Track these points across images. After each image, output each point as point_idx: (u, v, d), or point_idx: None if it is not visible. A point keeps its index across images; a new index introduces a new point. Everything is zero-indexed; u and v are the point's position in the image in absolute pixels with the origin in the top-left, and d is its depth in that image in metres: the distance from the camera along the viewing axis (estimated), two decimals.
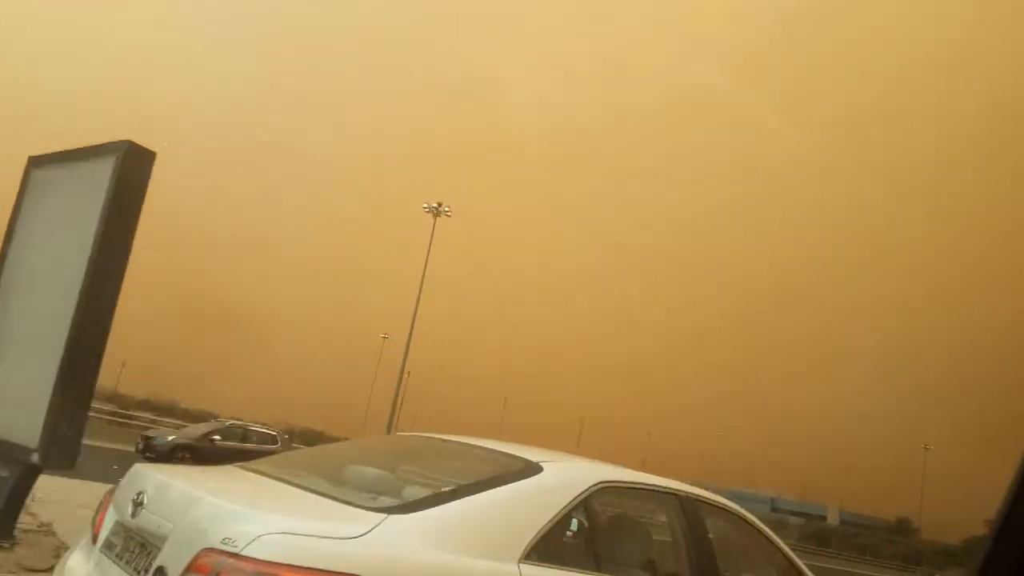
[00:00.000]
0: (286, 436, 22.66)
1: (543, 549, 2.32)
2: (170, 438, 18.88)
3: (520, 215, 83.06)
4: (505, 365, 74.59)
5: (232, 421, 21.47)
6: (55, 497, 7.82)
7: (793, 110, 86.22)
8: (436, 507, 2.26)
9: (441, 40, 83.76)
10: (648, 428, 71.48)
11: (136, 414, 35.28)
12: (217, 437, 18.94)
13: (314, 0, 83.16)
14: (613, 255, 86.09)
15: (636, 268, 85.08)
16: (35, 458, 4.27)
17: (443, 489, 2.43)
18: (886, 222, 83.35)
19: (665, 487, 2.87)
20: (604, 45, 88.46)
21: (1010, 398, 62.23)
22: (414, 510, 2.22)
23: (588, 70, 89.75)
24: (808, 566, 3.33)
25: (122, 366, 55.49)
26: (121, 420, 29.48)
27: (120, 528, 2.46)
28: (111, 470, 13.41)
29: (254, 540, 1.95)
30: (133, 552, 2.31)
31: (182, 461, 17.11)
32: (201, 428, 20.67)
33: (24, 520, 5.37)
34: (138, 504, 2.35)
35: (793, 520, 52.58)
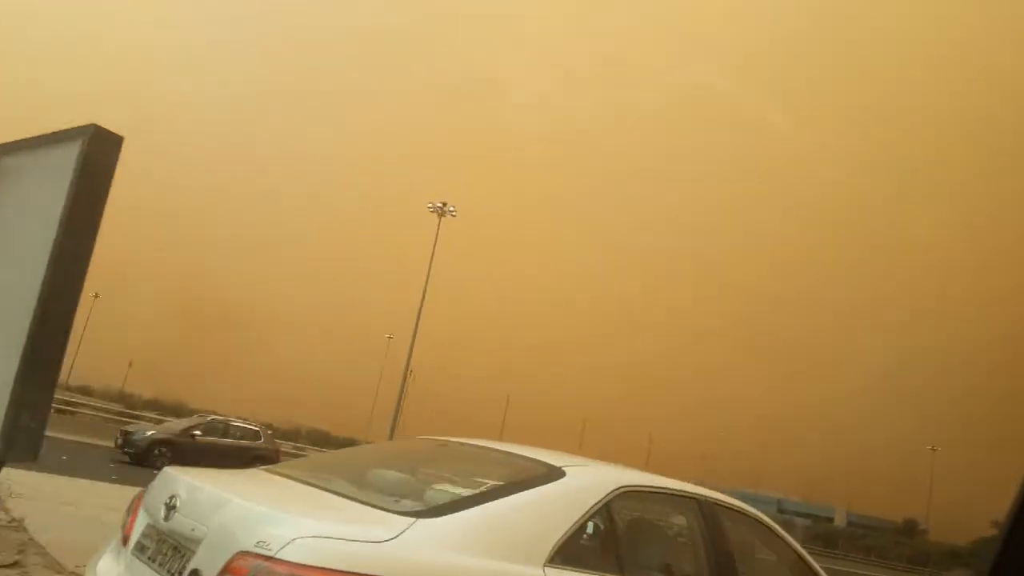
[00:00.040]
0: (269, 432, 21.91)
1: (567, 553, 2.37)
2: (149, 433, 18.19)
3: (520, 215, 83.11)
4: (505, 365, 74.61)
5: (213, 416, 20.64)
6: (37, 493, 7.87)
7: (793, 110, 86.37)
8: (463, 511, 2.31)
9: (441, 40, 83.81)
10: (650, 428, 71.47)
11: (143, 414, 35.27)
12: (198, 432, 18.40)
13: (314, 0, 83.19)
14: (613, 255, 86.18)
15: (636, 268, 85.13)
16: None
17: (469, 493, 2.48)
18: (890, 222, 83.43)
19: (684, 491, 2.92)
20: (604, 45, 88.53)
21: (1017, 398, 62.22)
22: (442, 514, 2.27)
23: (588, 70, 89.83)
24: None
25: (129, 366, 55.63)
26: (127, 420, 29.43)
27: (152, 531, 2.51)
28: (98, 468, 13.43)
29: (288, 543, 1.99)
30: (166, 555, 2.35)
31: (161, 457, 16.80)
32: (182, 423, 20.08)
33: None
34: (171, 507, 2.40)
35: (799, 521, 52.53)
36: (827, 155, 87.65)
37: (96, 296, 55.72)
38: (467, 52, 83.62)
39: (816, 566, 3.25)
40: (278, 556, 1.98)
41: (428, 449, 3.35)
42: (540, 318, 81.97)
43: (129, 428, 19.22)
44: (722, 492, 3.15)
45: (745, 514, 3.07)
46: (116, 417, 32.46)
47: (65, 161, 2.54)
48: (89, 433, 22.56)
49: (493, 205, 72.63)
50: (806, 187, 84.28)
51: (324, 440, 54.34)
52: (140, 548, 2.51)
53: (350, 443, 52.60)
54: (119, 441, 18.09)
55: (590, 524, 2.55)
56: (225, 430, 19.09)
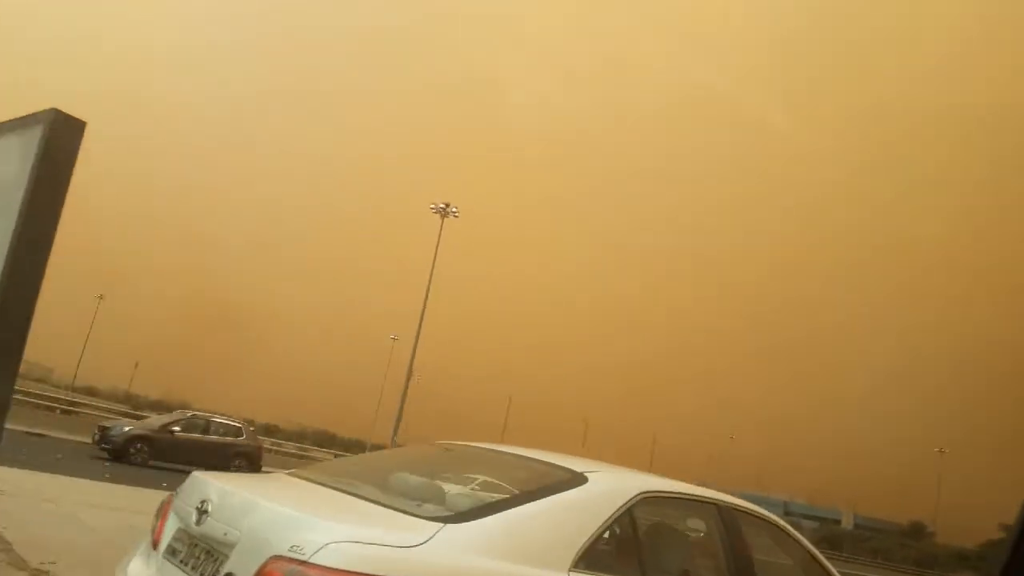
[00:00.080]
0: (251, 428, 21.30)
1: (591, 558, 2.41)
2: (126, 428, 17.74)
3: (520, 215, 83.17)
4: (506, 365, 74.63)
5: (194, 412, 20.13)
6: (18, 490, 7.90)
7: (793, 110, 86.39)
8: (490, 516, 2.35)
9: (441, 40, 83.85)
10: (652, 429, 71.40)
11: (147, 415, 35.33)
12: (176, 428, 17.93)
13: (314, 0, 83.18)
14: (613, 255, 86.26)
15: (636, 268, 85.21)
16: None
17: (495, 499, 2.52)
18: (891, 222, 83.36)
19: (704, 496, 2.97)
20: (604, 45, 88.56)
21: None
22: (469, 519, 2.32)
23: (588, 70, 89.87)
24: None
25: (135, 367, 55.67)
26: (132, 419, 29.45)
27: (183, 535, 2.55)
28: (85, 466, 13.42)
29: (321, 548, 2.04)
30: (199, 559, 2.40)
31: (139, 453, 16.70)
32: (162, 419, 19.51)
33: None
34: (202, 512, 2.44)
35: (806, 523, 52.41)
36: (827, 155, 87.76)
37: (101, 297, 55.79)
38: (467, 52, 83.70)
39: (833, 571, 3.30)
40: (312, 560, 2.03)
41: (448, 454, 3.39)
42: (541, 318, 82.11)
43: (106, 424, 18.84)
44: (728, 494, 3.19)
45: (763, 518, 3.12)
46: (119, 418, 32.47)
47: (26, 148, 2.54)
48: (89, 433, 22.56)
49: (493, 205, 72.67)
50: (806, 187, 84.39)
51: (330, 441, 54.33)
52: (171, 552, 2.56)
53: (356, 444, 52.66)
54: (96, 437, 17.78)
55: (612, 529, 2.59)
56: (206, 426, 18.65)
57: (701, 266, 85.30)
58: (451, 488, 2.73)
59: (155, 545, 2.67)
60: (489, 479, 2.85)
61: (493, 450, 3.25)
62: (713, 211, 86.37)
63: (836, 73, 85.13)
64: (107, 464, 15.29)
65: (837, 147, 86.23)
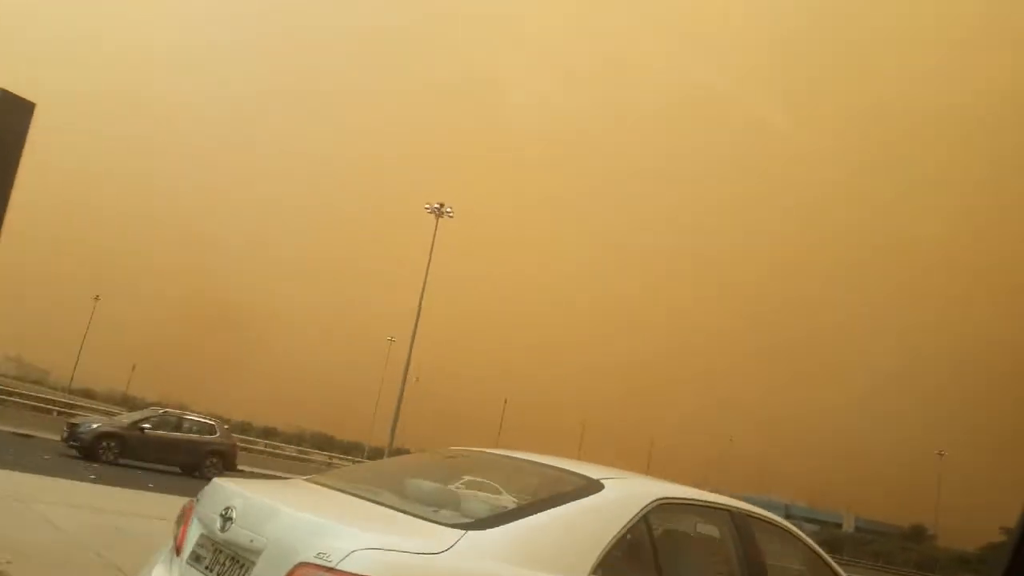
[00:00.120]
0: (225, 426, 20.94)
1: (608, 565, 2.44)
2: (95, 426, 17.24)
3: (520, 215, 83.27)
4: (505, 365, 74.75)
5: (166, 410, 19.71)
6: None
7: (793, 110, 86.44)
8: (511, 523, 2.39)
9: (441, 40, 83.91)
10: (651, 430, 71.62)
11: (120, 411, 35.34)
12: (147, 426, 17.48)
13: (314, 0, 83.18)
14: (613, 255, 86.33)
15: (636, 268, 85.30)
16: None
17: (514, 506, 2.56)
18: (891, 222, 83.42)
19: (718, 503, 3.01)
20: (604, 45, 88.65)
21: None
22: (491, 526, 2.35)
23: (588, 70, 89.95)
24: None
25: (132, 369, 55.63)
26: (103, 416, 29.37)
27: (207, 541, 2.58)
28: (59, 465, 13.33)
29: (348, 555, 2.07)
30: (224, 565, 2.43)
31: (108, 450, 16.36)
32: (132, 416, 19.03)
33: None
34: (227, 518, 2.47)
35: (807, 527, 52.54)
36: (827, 155, 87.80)
37: (97, 298, 55.71)
38: (467, 52, 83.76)
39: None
40: (339, 568, 2.06)
41: (464, 460, 3.42)
42: (540, 318, 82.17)
43: (75, 421, 18.37)
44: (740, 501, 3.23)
45: (775, 525, 3.17)
46: (89, 414, 32.44)
47: None
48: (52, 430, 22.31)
49: (493, 205, 72.75)
50: (806, 187, 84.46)
51: (328, 444, 54.39)
52: (195, 558, 2.58)
53: (354, 447, 52.76)
54: (65, 434, 17.29)
55: (629, 536, 2.63)
56: (177, 424, 18.25)
57: (701, 266, 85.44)
58: (469, 495, 2.77)
59: (178, 551, 2.69)
60: (505, 486, 2.89)
61: (508, 456, 3.29)
62: (713, 211, 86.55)
63: (836, 73, 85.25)
64: (96, 465, 15.06)
65: (837, 147, 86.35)
